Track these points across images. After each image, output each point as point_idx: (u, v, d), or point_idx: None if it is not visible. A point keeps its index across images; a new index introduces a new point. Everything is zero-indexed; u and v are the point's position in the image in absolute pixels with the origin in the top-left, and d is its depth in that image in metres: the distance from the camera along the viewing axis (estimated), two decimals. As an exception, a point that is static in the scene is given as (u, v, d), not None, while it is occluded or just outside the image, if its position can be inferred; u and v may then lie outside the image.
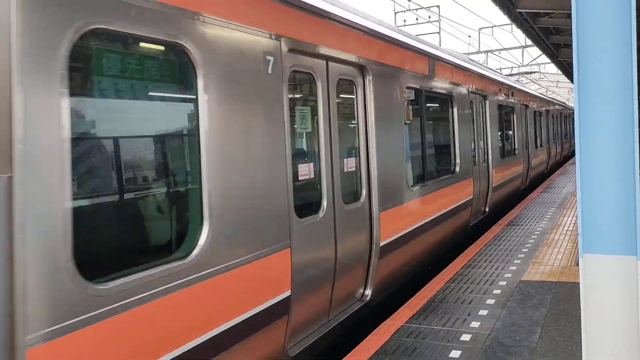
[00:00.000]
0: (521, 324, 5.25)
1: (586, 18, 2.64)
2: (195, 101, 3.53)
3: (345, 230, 5.30)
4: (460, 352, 4.67)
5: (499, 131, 12.45)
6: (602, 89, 2.63)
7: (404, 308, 5.89)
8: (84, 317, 2.69)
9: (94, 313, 2.74)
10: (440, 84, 8.39)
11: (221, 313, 3.63)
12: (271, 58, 4.19)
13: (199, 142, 3.51)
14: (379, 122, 6.01)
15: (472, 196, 9.71)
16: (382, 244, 5.88)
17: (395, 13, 24.66)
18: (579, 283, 2.75)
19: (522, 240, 9.05)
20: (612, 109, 2.62)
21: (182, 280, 3.29)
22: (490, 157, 11.31)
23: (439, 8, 23.87)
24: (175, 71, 3.59)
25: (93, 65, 3.03)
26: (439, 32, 23.88)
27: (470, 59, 12.81)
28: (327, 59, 5.19)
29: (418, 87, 7.42)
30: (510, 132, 13.97)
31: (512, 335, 4.98)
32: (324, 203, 5.04)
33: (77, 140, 2.88)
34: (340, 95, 5.48)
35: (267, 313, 4.06)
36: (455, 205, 8.66)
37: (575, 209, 11.30)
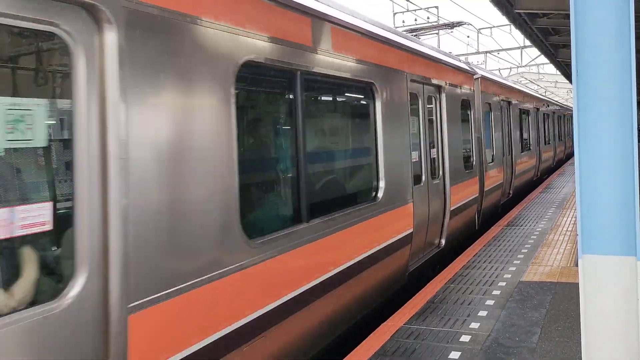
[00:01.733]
0: (521, 325, 5.25)
1: (585, 18, 2.64)
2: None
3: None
4: (459, 353, 4.67)
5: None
6: (601, 89, 2.63)
7: (404, 308, 5.89)
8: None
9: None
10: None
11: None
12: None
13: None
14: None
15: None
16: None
17: (394, 14, 24.69)
18: (578, 283, 2.75)
19: (521, 241, 9.05)
20: (611, 109, 2.62)
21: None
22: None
23: (437, 9, 23.90)
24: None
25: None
26: (437, 33, 23.90)
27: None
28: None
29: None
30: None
31: (512, 336, 4.98)
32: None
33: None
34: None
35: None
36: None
37: (575, 209, 11.31)
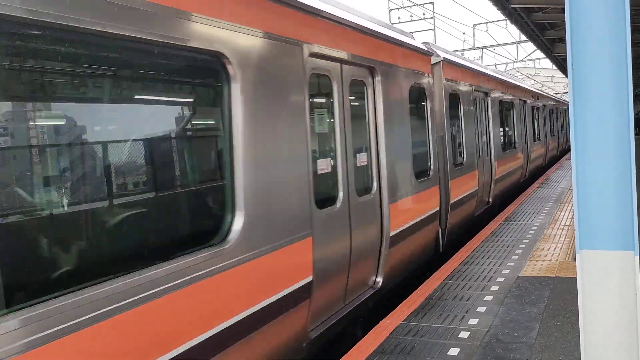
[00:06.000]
0: (519, 320, 5.25)
1: (580, 12, 2.62)
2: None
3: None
4: (458, 349, 4.66)
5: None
6: (597, 83, 2.61)
7: (402, 306, 5.88)
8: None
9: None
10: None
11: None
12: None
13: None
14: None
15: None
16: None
17: (390, 10, 24.66)
18: (576, 278, 2.73)
19: (519, 236, 9.06)
20: (607, 103, 2.60)
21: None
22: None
23: (433, 5, 23.88)
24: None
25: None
26: (433, 29, 23.89)
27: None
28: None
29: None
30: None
31: (511, 332, 4.97)
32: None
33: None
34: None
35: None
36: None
37: (572, 204, 11.31)
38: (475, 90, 11.22)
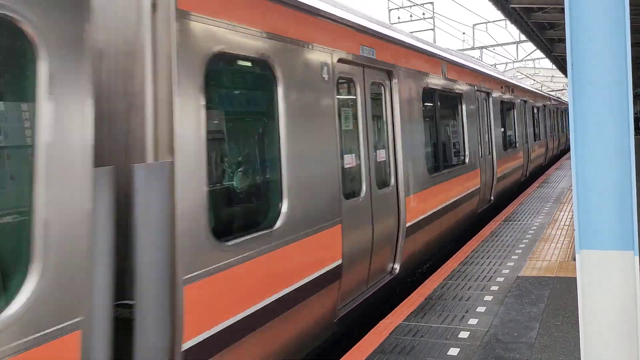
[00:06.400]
0: (519, 320, 5.25)
1: (580, 12, 2.62)
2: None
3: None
4: (458, 349, 4.66)
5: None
6: (597, 82, 2.61)
7: (402, 306, 5.88)
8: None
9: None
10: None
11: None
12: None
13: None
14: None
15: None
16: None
17: (390, 10, 24.67)
18: (576, 278, 2.73)
19: (519, 236, 9.06)
20: (607, 103, 2.60)
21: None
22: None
23: (432, 5, 23.88)
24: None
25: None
26: (433, 29, 23.89)
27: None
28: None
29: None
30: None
31: (511, 332, 4.97)
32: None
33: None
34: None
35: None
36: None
37: (572, 204, 11.27)
38: (349, 62, 5.76)
